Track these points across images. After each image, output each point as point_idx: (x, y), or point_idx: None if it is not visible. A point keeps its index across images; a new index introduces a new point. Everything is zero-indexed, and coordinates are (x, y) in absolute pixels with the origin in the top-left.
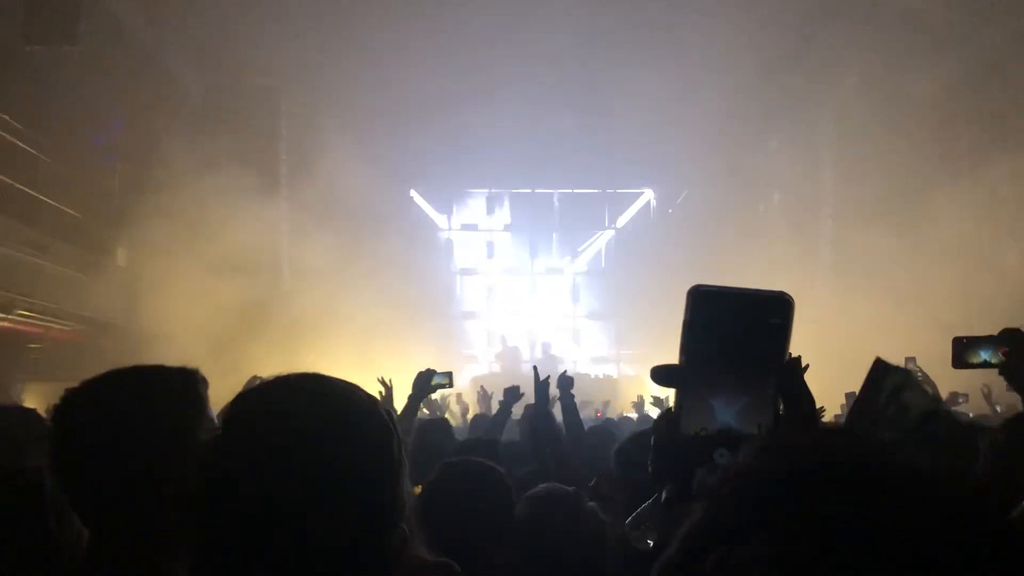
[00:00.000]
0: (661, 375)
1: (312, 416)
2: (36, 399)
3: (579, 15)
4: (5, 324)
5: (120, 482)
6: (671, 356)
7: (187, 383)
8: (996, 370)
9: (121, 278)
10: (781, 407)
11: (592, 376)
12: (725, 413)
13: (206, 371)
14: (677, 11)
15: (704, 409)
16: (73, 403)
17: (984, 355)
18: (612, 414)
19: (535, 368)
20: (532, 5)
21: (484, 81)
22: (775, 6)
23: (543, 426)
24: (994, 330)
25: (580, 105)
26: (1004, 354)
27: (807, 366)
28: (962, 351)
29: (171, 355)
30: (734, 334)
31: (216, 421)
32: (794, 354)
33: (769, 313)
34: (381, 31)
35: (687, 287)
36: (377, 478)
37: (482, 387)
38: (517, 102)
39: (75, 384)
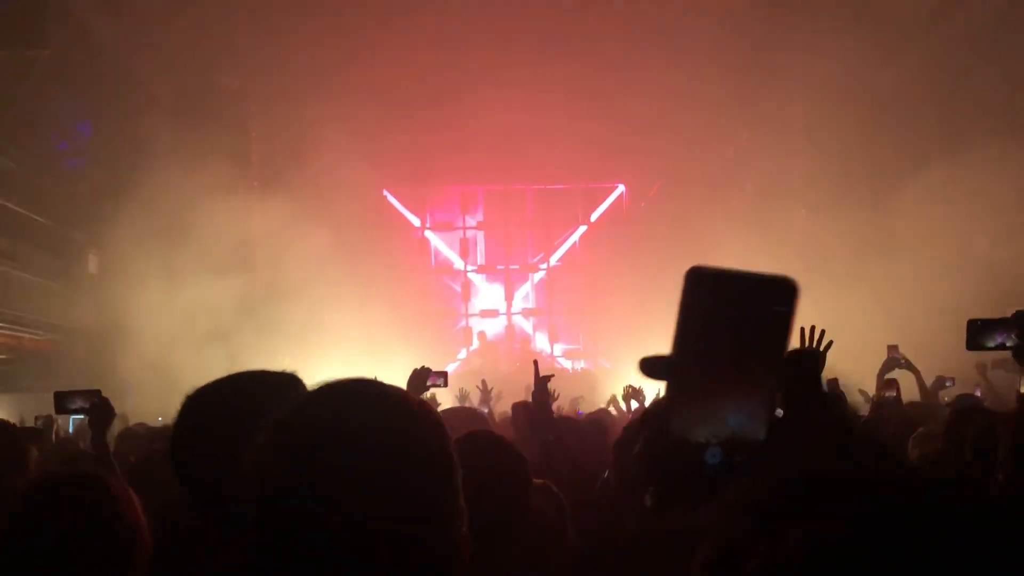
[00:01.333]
0: (651, 367)
1: (368, 419)
2: (7, 410)
3: (547, 11)
4: None
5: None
6: (647, 348)
7: (293, 385)
8: (1008, 353)
9: (92, 285)
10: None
11: (569, 370)
12: (719, 409)
13: (184, 376)
14: (644, 4)
15: (697, 404)
16: (192, 406)
17: (999, 338)
18: (587, 408)
19: (535, 363)
20: (501, 2)
21: (455, 78)
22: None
23: (544, 419)
24: (967, 315)
25: (552, 100)
26: (1018, 336)
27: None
28: (976, 334)
29: (144, 362)
30: (734, 321)
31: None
32: (798, 345)
33: (773, 299)
34: (351, 28)
35: (662, 279)
36: (435, 480)
37: (483, 381)
38: (489, 99)
39: (45, 392)
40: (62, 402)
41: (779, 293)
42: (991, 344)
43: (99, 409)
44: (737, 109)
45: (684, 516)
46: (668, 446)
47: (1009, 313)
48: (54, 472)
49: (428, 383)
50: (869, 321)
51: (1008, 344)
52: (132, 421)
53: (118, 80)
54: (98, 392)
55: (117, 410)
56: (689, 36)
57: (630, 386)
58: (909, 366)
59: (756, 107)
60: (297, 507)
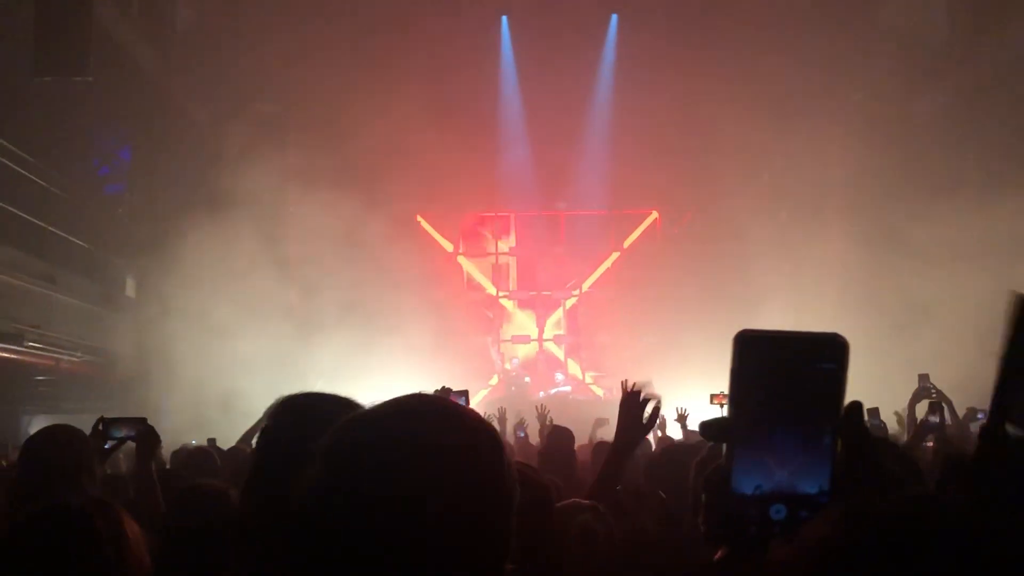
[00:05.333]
0: (710, 429)
1: (425, 440)
2: None
3: (582, 37)
4: (14, 356)
5: None
6: (678, 373)
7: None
8: None
9: (130, 309)
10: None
11: (600, 397)
12: (780, 467)
13: (221, 400)
14: (679, 33)
15: (757, 463)
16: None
17: None
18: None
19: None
20: (534, 28)
21: (489, 104)
22: (776, 25)
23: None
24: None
25: (586, 126)
26: None
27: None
28: None
29: (181, 389)
30: (785, 382)
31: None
32: (852, 399)
33: (821, 357)
34: (387, 54)
35: (695, 305)
36: (493, 508)
37: (502, 408)
38: (524, 125)
39: (81, 413)
40: (108, 428)
41: (828, 350)
42: None
43: (145, 436)
44: (772, 136)
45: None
46: (731, 505)
47: None
48: (43, 506)
49: None
50: (906, 351)
51: None
52: (166, 444)
53: (158, 107)
54: (144, 420)
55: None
56: (723, 64)
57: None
58: (940, 396)
59: (790, 135)
60: (351, 533)
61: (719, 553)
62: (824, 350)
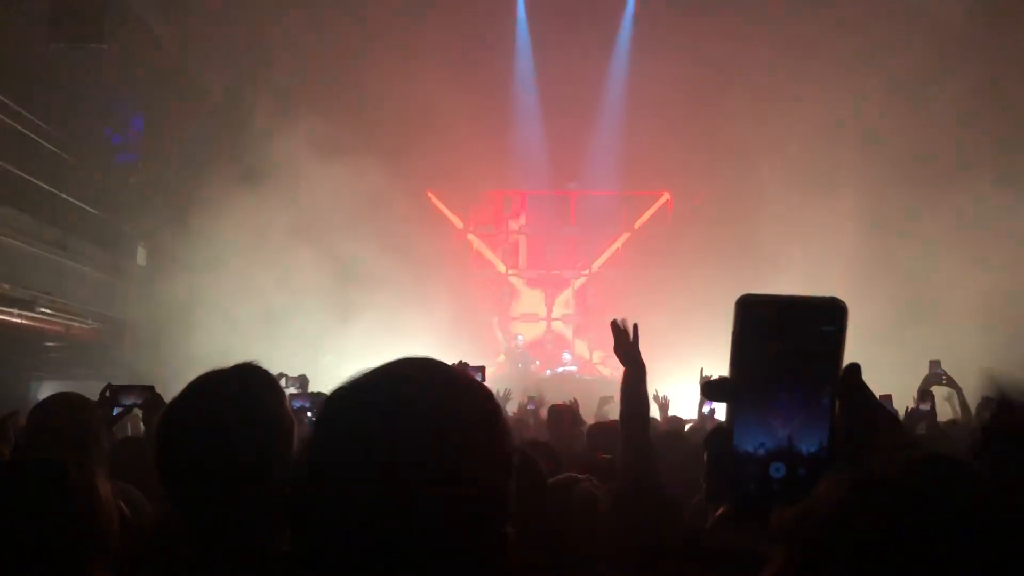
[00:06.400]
0: (713, 390)
1: (419, 402)
2: None
3: (599, 15)
4: (26, 321)
5: (225, 475)
6: (689, 355)
7: (262, 376)
8: None
9: (140, 277)
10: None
11: (608, 376)
12: (780, 426)
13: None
14: (694, 15)
15: (758, 424)
16: (178, 407)
17: None
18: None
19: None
20: (550, 9)
21: (502, 83)
22: (791, 8)
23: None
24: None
25: (599, 106)
26: None
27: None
28: None
29: (190, 355)
30: (785, 344)
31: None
32: (851, 361)
33: (821, 320)
34: (401, 32)
35: (706, 286)
36: (490, 467)
37: (507, 390)
38: (533, 104)
39: (91, 380)
40: (116, 396)
41: (827, 314)
42: None
43: (152, 404)
44: (785, 119)
45: (755, 529)
46: (733, 464)
47: None
48: (18, 456)
49: None
50: (915, 336)
51: None
52: None
53: (170, 77)
54: (151, 388)
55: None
56: (738, 47)
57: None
58: (951, 383)
59: (804, 118)
60: (343, 496)
61: (720, 510)
62: (824, 313)
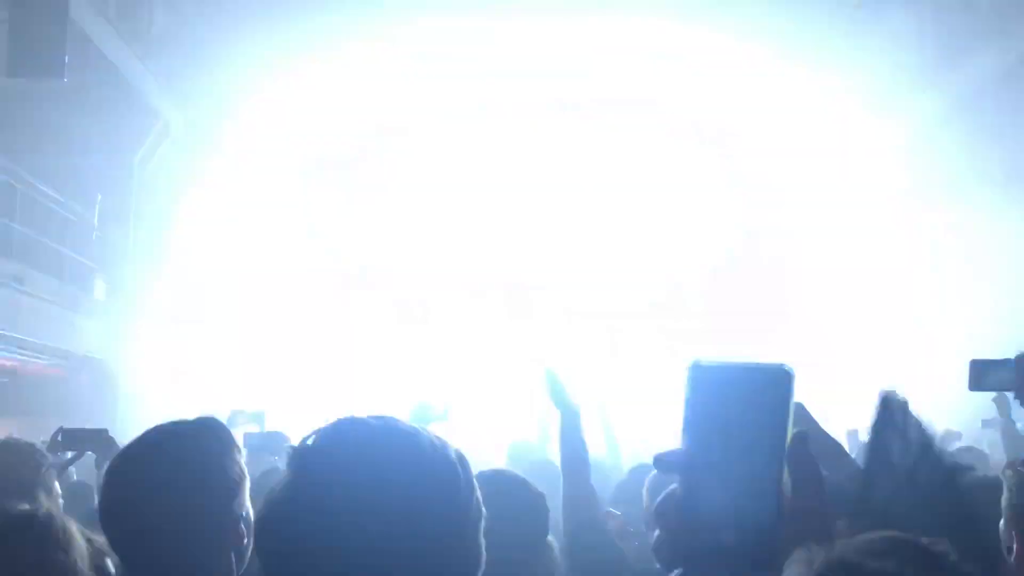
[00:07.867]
0: (663, 462)
1: (386, 463)
2: (6, 435)
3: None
4: None
5: (166, 530)
6: None
7: (217, 434)
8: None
9: (98, 311)
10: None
11: None
12: (730, 494)
13: (192, 406)
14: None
15: (707, 491)
16: (127, 459)
17: (1001, 378)
18: None
19: None
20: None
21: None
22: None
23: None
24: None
25: None
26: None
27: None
28: (979, 374)
29: (150, 391)
30: (734, 411)
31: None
32: (797, 429)
33: (768, 387)
34: (377, 43)
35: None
36: (456, 529)
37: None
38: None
39: (44, 417)
40: (68, 440)
41: (774, 380)
42: (992, 384)
43: (105, 449)
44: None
45: None
46: (684, 531)
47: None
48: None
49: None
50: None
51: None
52: None
53: (130, 109)
54: (104, 431)
55: (121, 441)
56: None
57: None
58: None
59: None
60: (309, 557)
61: None
62: (771, 380)
